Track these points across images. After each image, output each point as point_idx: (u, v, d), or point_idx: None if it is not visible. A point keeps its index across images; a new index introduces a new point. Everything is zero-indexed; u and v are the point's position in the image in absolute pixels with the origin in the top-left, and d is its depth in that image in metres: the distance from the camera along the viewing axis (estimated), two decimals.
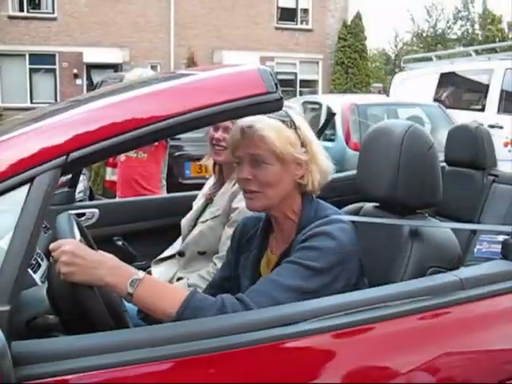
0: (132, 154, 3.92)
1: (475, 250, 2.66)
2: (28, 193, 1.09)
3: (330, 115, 4.11)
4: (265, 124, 1.51)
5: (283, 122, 1.54)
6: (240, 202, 2.16)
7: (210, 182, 2.66)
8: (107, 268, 1.32)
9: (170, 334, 1.20)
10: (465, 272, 1.43)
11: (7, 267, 1.06)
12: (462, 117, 7.23)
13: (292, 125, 1.55)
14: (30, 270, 1.98)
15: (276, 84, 1.28)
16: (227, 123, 2.27)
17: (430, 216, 2.99)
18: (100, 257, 1.35)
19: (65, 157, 1.11)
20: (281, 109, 1.33)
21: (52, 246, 1.32)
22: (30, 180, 1.10)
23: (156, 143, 3.81)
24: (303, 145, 1.56)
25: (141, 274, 1.36)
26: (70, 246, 1.31)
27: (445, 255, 1.52)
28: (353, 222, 1.74)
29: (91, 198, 5.71)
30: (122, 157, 3.94)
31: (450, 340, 1.29)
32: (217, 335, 1.18)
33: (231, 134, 1.59)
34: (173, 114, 1.17)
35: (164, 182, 4.11)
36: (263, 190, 1.54)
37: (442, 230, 1.60)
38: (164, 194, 3.92)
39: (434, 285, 1.35)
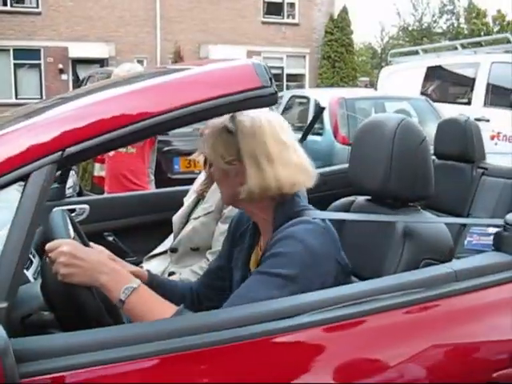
0: (122, 148, 3.90)
1: (465, 242, 2.68)
2: (24, 189, 1.08)
3: (319, 110, 4.10)
4: (210, 126, 1.54)
5: (225, 125, 1.51)
6: None
7: (201, 178, 2.65)
8: (106, 270, 1.32)
9: (165, 329, 1.20)
10: (458, 264, 1.44)
11: (4, 264, 1.05)
12: (448, 110, 7.28)
13: (232, 130, 1.50)
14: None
15: (270, 78, 1.28)
16: None
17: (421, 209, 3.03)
18: (98, 257, 1.35)
19: (60, 152, 1.10)
20: (275, 103, 1.33)
21: (49, 246, 1.32)
22: (26, 176, 1.09)
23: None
24: (239, 152, 1.49)
25: (136, 283, 1.36)
26: (68, 247, 1.31)
27: (437, 247, 1.53)
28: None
29: (80, 193, 5.71)
30: (111, 152, 3.92)
31: (443, 332, 1.30)
32: (209, 330, 1.19)
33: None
34: (168, 109, 1.17)
35: (152, 177, 4.09)
36: (218, 187, 1.60)
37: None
38: (155, 190, 3.91)
39: (428, 277, 1.35)
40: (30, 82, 19.09)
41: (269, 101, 1.28)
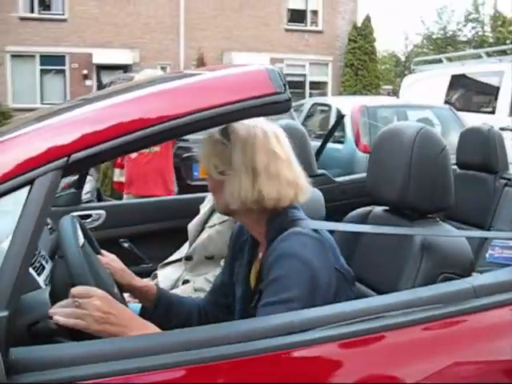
0: (144, 150, 3.92)
1: (487, 255, 2.61)
2: (28, 194, 1.06)
3: (340, 117, 4.07)
4: (206, 136, 1.52)
5: (219, 133, 1.50)
6: None
7: None
8: (136, 327, 1.29)
9: (174, 341, 1.17)
10: (478, 279, 1.38)
11: (6, 270, 1.03)
12: (472, 119, 7.16)
13: (224, 140, 1.48)
14: (34, 273, 1.95)
15: (285, 84, 1.25)
16: None
17: (441, 219, 2.96)
18: (130, 314, 1.32)
19: (66, 158, 1.08)
20: (289, 109, 1.29)
21: (78, 292, 1.27)
22: (31, 181, 1.07)
23: None
24: (231, 163, 1.47)
25: None
26: (102, 303, 1.27)
27: (457, 261, 1.48)
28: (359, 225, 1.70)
29: (99, 199, 5.73)
30: (133, 154, 3.94)
31: (461, 350, 1.25)
32: (224, 343, 1.15)
33: None
34: (179, 115, 1.14)
35: (176, 186, 4.11)
36: (212, 196, 1.57)
37: (454, 234, 1.56)
38: (172, 196, 3.90)
39: (445, 292, 1.30)
40: (55, 87, 19.32)
41: (282, 107, 1.24)
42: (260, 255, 1.58)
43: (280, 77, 1.25)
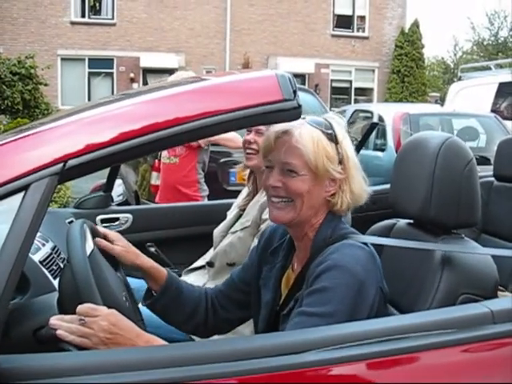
0: (165, 160, 3.89)
1: None
2: (22, 200, 1.04)
3: (373, 125, 3.96)
4: (304, 132, 1.41)
5: (325, 133, 1.44)
6: None
7: (243, 193, 2.59)
8: (142, 342, 1.26)
9: (169, 356, 1.13)
10: (499, 303, 1.28)
11: None
12: None
13: (334, 138, 1.45)
14: (49, 275, 1.96)
15: (295, 91, 1.19)
16: None
17: (476, 234, 2.83)
18: (137, 330, 1.29)
19: (62, 164, 1.05)
20: (299, 118, 1.23)
21: (84, 310, 1.26)
22: (25, 187, 1.05)
23: (186, 147, 3.77)
24: (341, 162, 1.46)
25: None
26: (108, 323, 1.25)
27: (479, 281, 1.39)
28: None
29: (137, 202, 5.78)
30: (162, 164, 3.94)
31: (473, 380, 1.16)
32: (253, 357, 1.11)
33: (265, 137, 1.49)
34: (181, 121, 1.09)
35: (206, 188, 4.04)
36: (294, 198, 1.44)
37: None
38: (198, 202, 3.87)
39: (461, 316, 1.21)
40: (102, 89, 19.70)
41: (291, 115, 1.19)
42: (295, 264, 1.54)
43: (290, 83, 1.20)
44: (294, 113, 1.19)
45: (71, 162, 1.05)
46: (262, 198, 2.28)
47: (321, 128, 1.44)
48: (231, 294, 1.72)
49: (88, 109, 1.20)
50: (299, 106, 1.19)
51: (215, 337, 1.78)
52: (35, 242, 2.06)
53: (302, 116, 1.38)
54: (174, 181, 3.88)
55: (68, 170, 1.05)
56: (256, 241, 2.24)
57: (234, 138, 3.81)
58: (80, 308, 1.26)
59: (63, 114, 1.27)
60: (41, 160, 1.05)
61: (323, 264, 1.35)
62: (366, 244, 1.42)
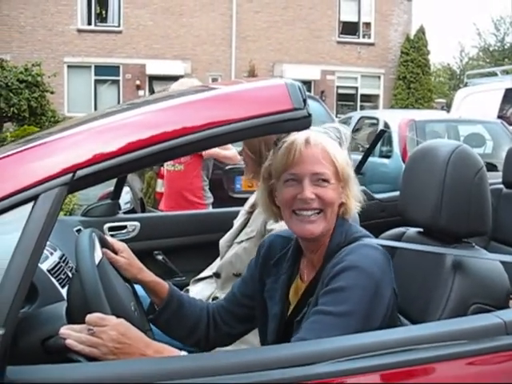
0: (170, 167, 3.89)
1: None
2: (31, 211, 1.03)
3: (380, 133, 3.95)
4: (328, 141, 1.43)
5: (336, 141, 1.46)
6: (275, 224, 2.05)
7: (251, 199, 2.57)
8: (152, 351, 1.26)
9: (179, 367, 1.12)
10: (511, 313, 1.27)
11: (5, 288, 1.00)
12: None
13: (343, 144, 1.47)
14: (58, 285, 1.95)
15: (304, 100, 1.19)
16: None
17: (486, 241, 2.81)
18: (146, 340, 1.29)
19: (71, 174, 1.05)
20: (309, 127, 1.23)
21: (92, 320, 1.25)
22: (35, 198, 1.04)
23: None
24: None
25: None
26: (117, 333, 1.24)
27: (491, 291, 1.37)
28: (391, 247, 1.62)
29: (143, 209, 5.78)
30: (165, 171, 3.93)
31: None
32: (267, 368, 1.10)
33: (284, 151, 1.42)
34: (190, 131, 1.09)
35: (210, 195, 4.03)
36: (324, 209, 1.42)
37: (490, 262, 1.46)
38: (206, 210, 3.86)
39: (473, 327, 1.19)
40: (108, 97, 19.79)
41: (301, 124, 1.19)
42: (305, 273, 1.53)
43: (300, 92, 1.19)
44: (304, 122, 1.18)
45: (80, 173, 1.05)
46: None
47: (331, 136, 1.45)
48: (233, 309, 1.70)
49: (96, 119, 1.20)
50: (309, 115, 1.18)
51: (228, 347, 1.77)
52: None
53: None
54: (179, 188, 3.87)
55: (77, 180, 1.05)
56: None
57: (233, 156, 3.84)
58: (89, 318, 1.26)
59: (71, 124, 1.27)
60: (50, 170, 1.05)
61: (339, 265, 1.35)
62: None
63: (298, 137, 1.41)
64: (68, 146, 1.09)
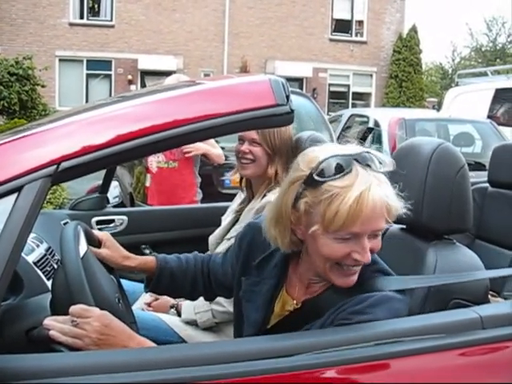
0: (162, 164, 3.89)
1: None
2: (15, 202, 1.04)
3: (368, 130, 3.98)
4: (389, 188, 1.28)
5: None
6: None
7: (238, 198, 2.58)
8: (134, 344, 1.27)
9: (160, 358, 1.13)
10: (488, 309, 1.29)
11: None
12: None
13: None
14: (43, 276, 1.96)
15: (287, 96, 1.20)
16: (253, 134, 2.18)
17: (470, 239, 2.84)
18: (129, 332, 1.29)
19: (55, 166, 1.06)
20: (291, 123, 1.23)
21: (76, 311, 1.26)
22: (19, 189, 1.05)
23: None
24: None
25: None
26: (101, 324, 1.25)
27: (470, 287, 1.40)
28: None
29: (132, 204, 5.78)
30: (155, 168, 3.93)
31: None
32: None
33: (353, 208, 1.22)
34: (171, 126, 1.10)
35: (200, 191, 4.05)
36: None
37: (469, 259, 1.48)
38: (194, 205, 3.87)
39: (451, 321, 1.22)
40: (100, 91, 19.69)
41: (283, 120, 1.19)
42: (296, 288, 1.44)
43: (283, 88, 1.20)
44: (287, 118, 1.19)
45: (65, 164, 1.06)
46: (256, 204, 2.27)
47: (380, 170, 1.31)
48: (219, 277, 1.73)
49: (83, 111, 1.21)
50: (292, 111, 1.19)
51: (206, 339, 1.78)
52: (29, 243, 2.06)
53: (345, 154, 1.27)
54: (173, 185, 3.87)
55: (61, 171, 1.06)
56: None
57: (221, 155, 3.88)
58: (72, 309, 1.26)
59: (57, 116, 1.28)
60: (34, 162, 1.06)
61: (362, 315, 1.25)
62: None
63: (362, 188, 1.22)
64: (53, 138, 1.09)
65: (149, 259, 1.70)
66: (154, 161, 3.91)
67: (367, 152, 1.30)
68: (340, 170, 1.24)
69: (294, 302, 1.43)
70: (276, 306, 1.47)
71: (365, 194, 1.22)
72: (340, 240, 1.25)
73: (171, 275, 1.69)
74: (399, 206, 1.29)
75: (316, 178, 1.25)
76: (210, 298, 1.91)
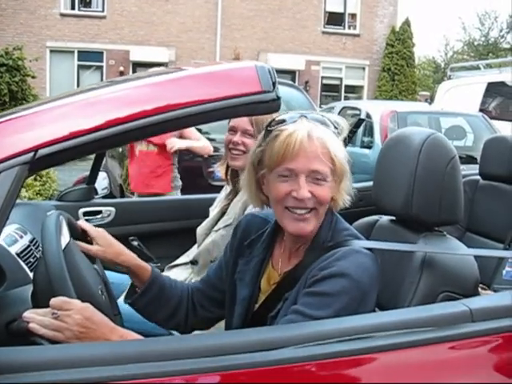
0: (143, 147, 3.86)
1: (504, 272, 2.46)
2: None
3: (358, 122, 3.95)
4: (330, 136, 1.35)
5: (335, 133, 1.38)
6: (254, 210, 2.04)
7: (227, 189, 2.55)
8: (116, 337, 1.24)
9: (143, 351, 1.10)
10: (478, 302, 1.27)
11: None
12: (508, 128, 6.95)
13: (339, 136, 1.39)
14: (26, 268, 1.92)
15: (274, 83, 1.17)
16: (246, 125, 2.15)
17: (461, 231, 2.82)
18: (111, 325, 1.27)
19: (33, 153, 1.02)
20: (277, 110, 1.21)
21: (57, 304, 1.23)
22: None
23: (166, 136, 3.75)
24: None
25: None
26: (82, 316, 1.23)
27: (459, 279, 1.38)
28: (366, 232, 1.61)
29: (122, 195, 5.74)
30: (137, 153, 3.91)
31: (453, 378, 1.14)
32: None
33: (285, 140, 1.33)
34: (152, 113, 1.06)
35: (180, 182, 4.01)
36: (318, 209, 1.36)
37: (460, 251, 1.46)
38: (182, 196, 3.84)
39: (440, 314, 1.19)
40: (91, 82, 19.54)
41: (269, 107, 1.17)
42: (279, 262, 1.49)
43: (270, 75, 1.17)
44: (273, 105, 1.16)
45: (42, 152, 1.03)
46: (244, 196, 2.25)
47: (330, 128, 1.38)
48: (209, 292, 1.67)
49: (61, 98, 1.17)
50: (278, 98, 1.16)
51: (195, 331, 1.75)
52: (13, 233, 2.03)
53: (299, 113, 1.36)
54: (148, 168, 3.85)
55: (39, 159, 1.03)
56: None
57: (207, 146, 3.85)
58: (53, 301, 1.24)
59: (36, 103, 1.24)
60: (11, 149, 1.03)
61: (328, 269, 1.30)
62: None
63: (298, 128, 1.33)
64: (30, 125, 1.06)
65: (144, 265, 1.63)
66: (139, 144, 3.90)
67: (322, 116, 1.41)
68: (289, 120, 1.37)
69: (276, 274, 1.47)
70: (263, 283, 1.50)
71: (298, 131, 1.33)
72: (281, 178, 1.35)
73: (160, 290, 1.61)
74: (343, 158, 1.37)
75: (268, 128, 1.40)
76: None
